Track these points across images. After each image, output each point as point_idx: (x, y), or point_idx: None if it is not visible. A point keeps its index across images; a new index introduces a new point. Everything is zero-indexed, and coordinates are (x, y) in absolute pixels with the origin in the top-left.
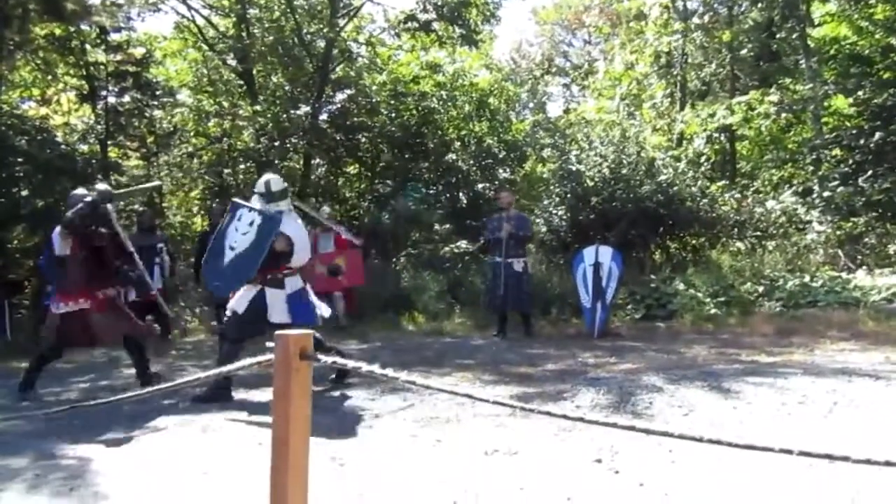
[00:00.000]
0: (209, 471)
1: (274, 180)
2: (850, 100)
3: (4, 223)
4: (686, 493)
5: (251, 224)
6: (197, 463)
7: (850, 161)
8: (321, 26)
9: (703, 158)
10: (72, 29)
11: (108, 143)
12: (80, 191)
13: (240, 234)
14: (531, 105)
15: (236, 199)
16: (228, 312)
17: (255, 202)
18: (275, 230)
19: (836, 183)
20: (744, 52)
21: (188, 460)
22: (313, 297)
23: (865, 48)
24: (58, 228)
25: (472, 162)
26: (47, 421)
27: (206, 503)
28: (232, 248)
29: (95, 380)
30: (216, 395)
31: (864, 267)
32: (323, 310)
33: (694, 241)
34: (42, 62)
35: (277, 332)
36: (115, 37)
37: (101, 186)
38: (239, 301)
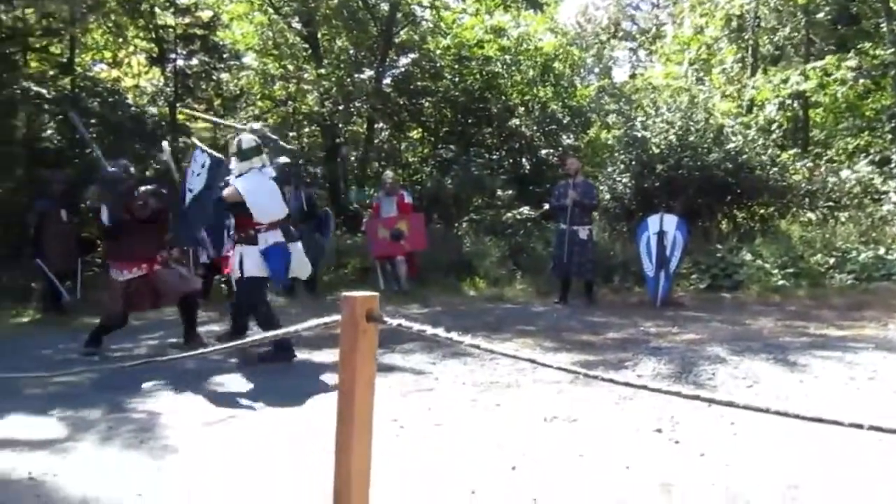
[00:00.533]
0: (276, 428)
1: (245, 138)
2: None
3: (79, 183)
4: (747, 465)
5: (203, 166)
6: (264, 420)
7: None
8: None
9: (774, 126)
10: None
11: (177, 105)
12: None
13: (195, 177)
14: (596, 70)
15: (196, 142)
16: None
17: (233, 161)
18: (221, 173)
19: None
20: (820, 15)
21: (254, 418)
22: (297, 257)
23: None
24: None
25: (535, 127)
26: (119, 375)
27: (273, 461)
28: (190, 191)
29: (164, 337)
30: (280, 356)
31: None
32: (301, 272)
33: (762, 211)
34: (113, 25)
35: (345, 294)
36: (183, 0)
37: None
38: (235, 268)
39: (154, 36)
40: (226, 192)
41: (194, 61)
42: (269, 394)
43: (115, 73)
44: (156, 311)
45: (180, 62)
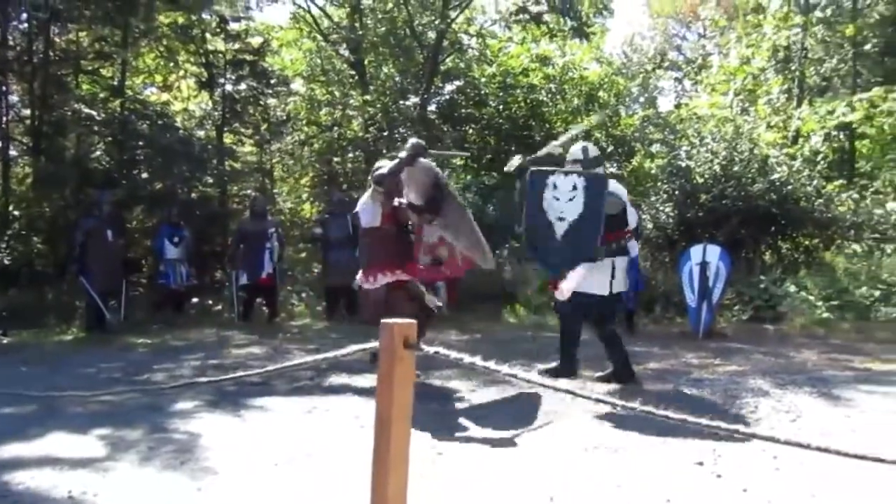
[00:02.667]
0: (312, 452)
1: (590, 147)
2: None
3: (126, 203)
4: (790, 502)
5: (574, 188)
6: (301, 444)
7: None
8: (433, 18)
9: (819, 157)
10: (193, 18)
11: (224, 129)
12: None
13: (564, 203)
14: (641, 99)
15: (535, 168)
16: (566, 293)
17: (572, 167)
18: (605, 190)
19: None
20: (868, 46)
21: (293, 441)
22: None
23: None
24: (364, 197)
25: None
26: (160, 396)
27: (310, 484)
28: (561, 219)
29: (205, 358)
30: (564, 371)
31: None
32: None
33: (807, 242)
34: (165, 49)
35: (384, 320)
36: (234, 26)
37: (413, 140)
38: (587, 281)
39: (204, 61)
40: (610, 208)
41: (242, 86)
42: (307, 416)
43: (164, 96)
44: (199, 334)
45: (229, 87)
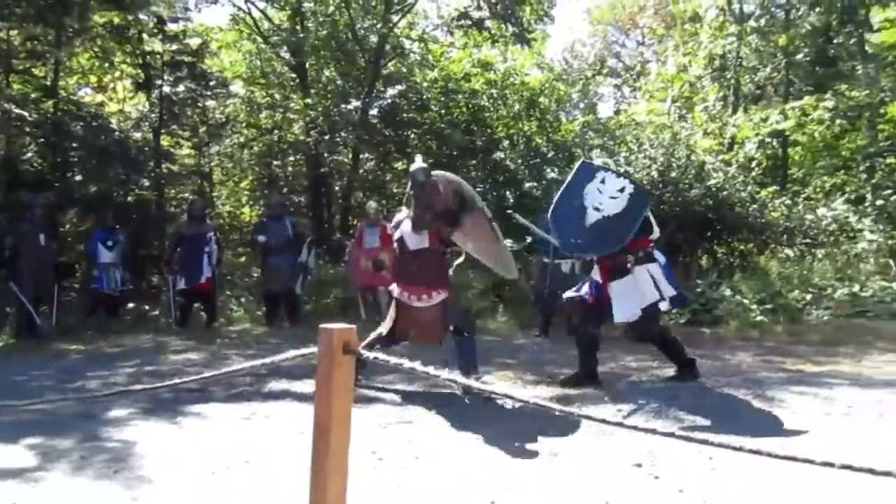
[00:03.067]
0: (251, 459)
1: (608, 161)
2: None
3: (59, 206)
4: (725, 501)
5: (621, 190)
6: (239, 451)
7: None
8: (374, 22)
9: (754, 163)
10: (130, 18)
11: (162, 131)
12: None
13: (606, 198)
14: (581, 105)
15: (590, 161)
16: (631, 314)
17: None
18: (647, 205)
19: (889, 191)
20: (800, 56)
21: (231, 448)
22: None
23: None
24: (405, 219)
25: (520, 161)
26: (94, 404)
27: (248, 492)
28: (598, 209)
29: (141, 364)
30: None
31: None
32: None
33: (742, 247)
34: (100, 50)
35: (322, 325)
36: (172, 27)
37: (417, 164)
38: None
39: (141, 62)
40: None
41: (181, 88)
42: (246, 423)
43: (99, 97)
44: (134, 340)
45: (166, 88)
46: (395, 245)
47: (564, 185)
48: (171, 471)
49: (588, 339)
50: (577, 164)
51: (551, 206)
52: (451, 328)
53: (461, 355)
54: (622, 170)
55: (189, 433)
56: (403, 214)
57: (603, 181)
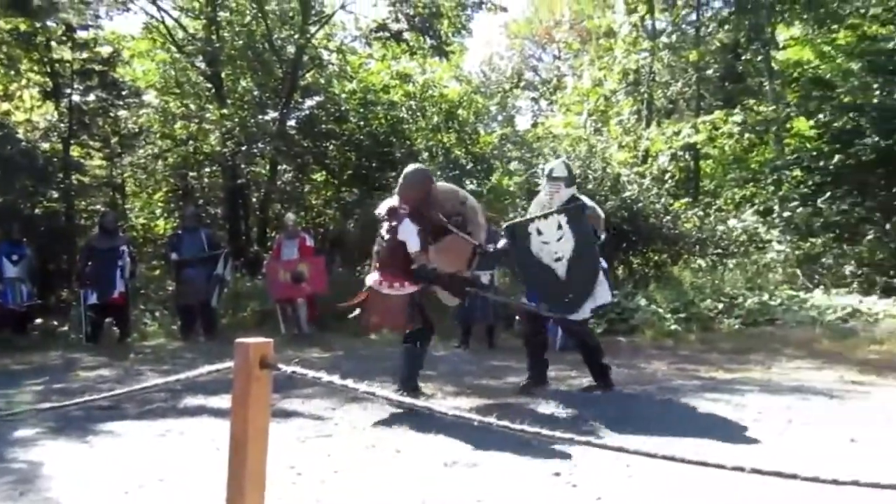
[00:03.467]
0: (165, 477)
1: (569, 164)
2: (811, 122)
3: None
4: None
5: (559, 227)
6: (153, 469)
7: (810, 182)
8: (292, 32)
9: (667, 176)
10: (37, 25)
11: (71, 141)
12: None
13: (555, 243)
14: (500, 118)
15: (512, 222)
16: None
17: (548, 186)
18: (585, 216)
19: (795, 203)
20: (710, 72)
21: (144, 466)
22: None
23: (827, 72)
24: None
25: (439, 173)
26: None
27: None
28: (558, 260)
29: (50, 382)
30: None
31: (822, 287)
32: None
33: (656, 257)
34: (5, 57)
35: (238, 340)
36: (81, 34)
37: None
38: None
39: (49, 70)
40: (593, 217)
41: (91, 97)
42: (160, 440)
43: (5, 105)
44: (43, 356)
45: (76, 97)
46: (387, 234)
47: (515, 259)
48: (81, 491)
49: (539, 344)
50: (504, 235)
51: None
52: (407, 331)
53: (405, 364)
54: (539, 211)
55: (100, 452)
56: (394, 204)
57: (539, 231)
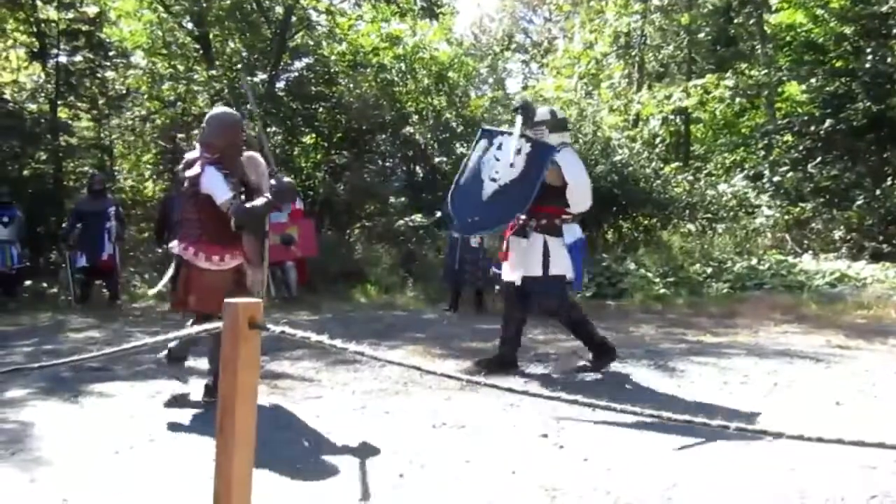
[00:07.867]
0: (156, 437)
1: (557, 109)
2: (803, 87)
3: None
4: (628, 468)
5: (518, 152)
6: (143, 429)
7: (801, 147)
8: None
9: (657, 140)
10: None
11: (59, 102)
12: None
13: (502, 165)
14: (490, 81)
15: (487, 127)
16: (513, 278)
17: (522, 129)
18: (548, 158)
19: (786, 168)
20: (701, 35)
21: (134, 427)
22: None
23: (819, 36)
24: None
25: (429, 136)
26: None
27: (152, 470)
28: (493, 180)
29: (39, 343)
30: (604, 362)
31: (810, 252)
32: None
33: (646, 222)
34: None
35: (227, 300)
36: None
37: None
38: (534, 264)
39: (35, 30)
40: (549, 177)
41: (78, 58)
42: (153, 401)
43: None
44: (33, 318)
45: (63, 58)
46: (189, 188)
47: (465, 161)
48: (71, 451)
49: (519, 321)
50: (478, 134)
51: (451, 187)
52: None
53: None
54: (533, 126)
55: (90, 413)
56: (195, 155)
57: (500, 147)
